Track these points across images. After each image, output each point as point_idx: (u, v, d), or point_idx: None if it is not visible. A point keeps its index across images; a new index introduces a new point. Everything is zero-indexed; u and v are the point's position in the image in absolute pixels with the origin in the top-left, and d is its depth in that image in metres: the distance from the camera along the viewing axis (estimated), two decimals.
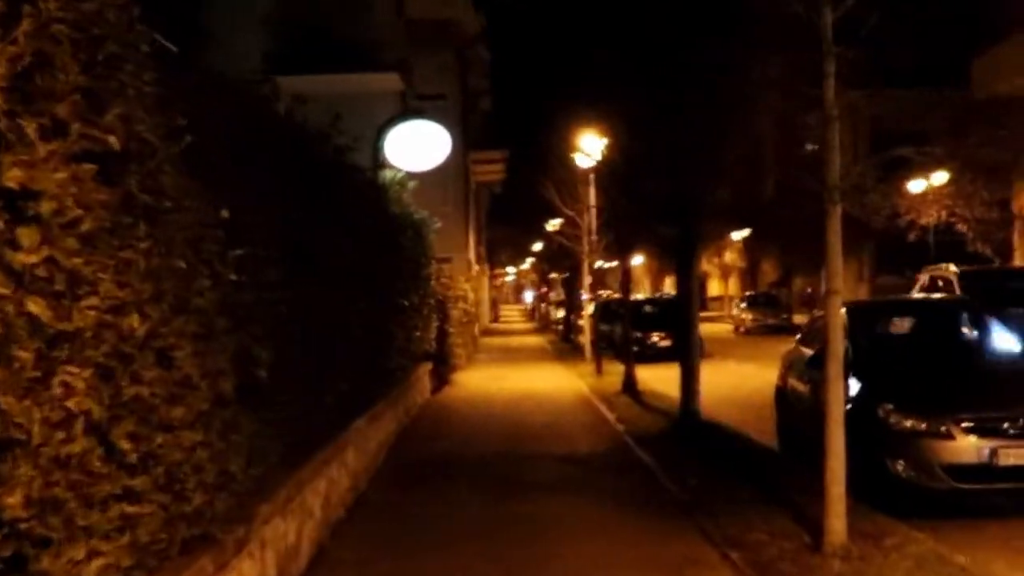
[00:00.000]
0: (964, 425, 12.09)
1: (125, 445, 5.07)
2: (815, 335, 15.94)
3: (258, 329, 7.90)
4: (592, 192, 33.45)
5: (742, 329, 62.88)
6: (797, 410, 15.66)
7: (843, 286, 37.22)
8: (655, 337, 39.01)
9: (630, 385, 26.20)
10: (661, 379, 28.20)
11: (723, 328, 64.37)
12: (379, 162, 22.33)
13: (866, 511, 11.18)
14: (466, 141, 52.48)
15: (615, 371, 31.84)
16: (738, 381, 29.80)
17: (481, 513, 12.58)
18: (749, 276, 78.40)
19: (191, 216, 6.31)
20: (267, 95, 10.11)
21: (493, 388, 29.53)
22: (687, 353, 19.31)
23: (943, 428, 12.13)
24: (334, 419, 12.20)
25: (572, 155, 33.46)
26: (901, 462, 12.18)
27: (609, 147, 26.45)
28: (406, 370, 20.36)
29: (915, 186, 47.69)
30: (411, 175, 23.01)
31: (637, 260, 74.67)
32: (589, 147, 30.75)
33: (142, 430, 5.29)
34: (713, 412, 19.96)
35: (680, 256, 19.38)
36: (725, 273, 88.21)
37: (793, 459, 15.42)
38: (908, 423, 12.26)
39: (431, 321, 25.13)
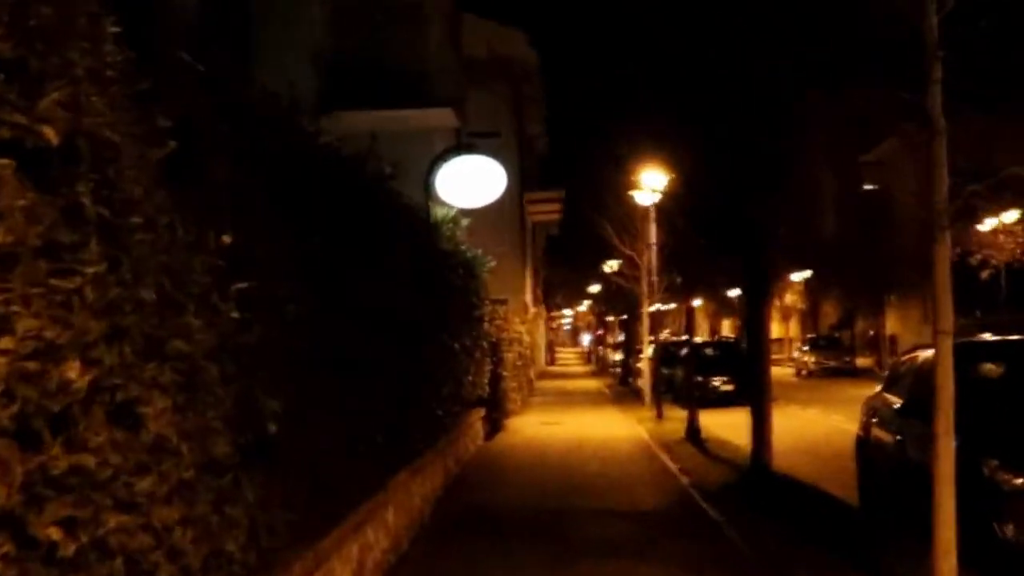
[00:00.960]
0: None
1: (54, 535, 3.80)
2: (901, 381, 14.62)
3: (267, 376, 6.66)
4: (653, 229, 32.17)
5: (804, 372, 61.71)
6: (883, 465, 14.24)
7: (906, 329, 35.68)
8: (716, 381, 37.68)
9: (693, 432, 24.88)
10: (725, 425, 26.99)
11: (784, 371, 62.70)
12: (430, 198, 21.24)
13: None
14: (522, 181, 51.51)
15: (676, 417, 30.74)
16: (804, 426, 28.46)
17: None
18: (810, 318, 76.74)
19: (173, 238, 5.11)
20: (291, 107, 8.86)
21: (548, 434, 28.21)
22: (758, 398, 17.94)
23: None
24: (370, 474, 10.99)
25: (631, 192, 32.27)
26: (1011, 525, 10.72)
27: (673, 181, 25.19)
28: (456, 417, 19.13)
29: (986, 224, 46.26)
30: (464, 213, 22.02)
31: (695, 303, 73.48)
32: (650, 182, 29.54)
33: (84, 512, 4.01)
34: (782, 461, 18.57)
35: (750, 291, 18.12)
36: (785, 315, 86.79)
37: (878, 518, 14.13)
38: (1019, 481, 10.79)
39: (484, 365, 23.91)
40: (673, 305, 45.11)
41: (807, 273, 69.21)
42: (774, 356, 63.97)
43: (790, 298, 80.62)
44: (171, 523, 4.92)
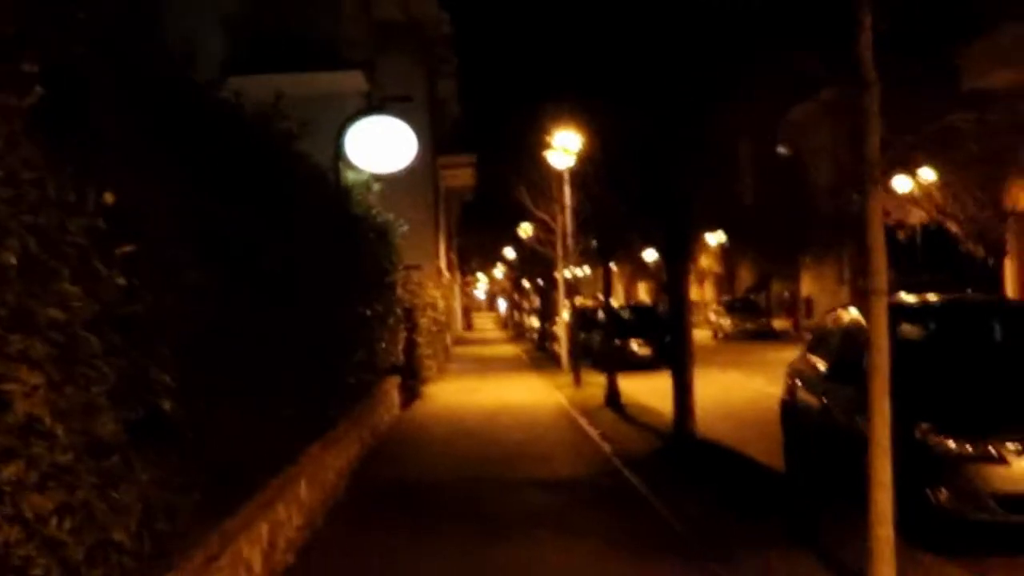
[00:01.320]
0: (1019, 446, 10.24)
1: None
2: (825, 344, 14.27)
3: (162, 348, 6.11)
4: (568, 192, 31.71)
5: (720, 335, 61.77)
6: (810, 430, 13.87)
7: (822, 291, 35.53)
8: (634, 345, 37.35)
9: (613, 398, 24.49)
10: (645, 391, 26.67)
11: (701, 334, 62.33)
12: (341, 160, 20.64)
13: (906, 549, 9.33)
14: (435, 146, 50.84)
15: (595, 382, 30.33)
16: (724, 391, 28.15)
17: (453, 564, 10.71)
18: (726, 281, 76.78)
19: (42, 196, 4.54)
20: (184, 62, 8.24)
21: (466, 401, 27.72)
22: (680, 363, 17.51)
23: (993, 450, 10.23)
24: (281, 448, 10.45)
25: (545, 154, 31.71)
26: (943, 491, 10.30)
27: (589, 144, 24.73)
28: (370, 386, 18.57)
29: (900, 184, 46.26)
30: (377, 178, 21.45)
31: (611, 266, 73.12)
32: (565, 144, 29.03)
33: None
34: (705, 427, 18.16)
35: (669, 254, 17.68)
36: (700, 278, 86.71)
37: (805, 484, 13.82)
38: (952, 445, 10.38)
39: (398, 331, 23.32)
40: (588, 270, 44.80)
41: (722, 236, 69.15)
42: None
43: (705, 261, 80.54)
44: (45, 512, 4.37)
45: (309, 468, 11.80)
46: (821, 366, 13.58)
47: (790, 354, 16.75)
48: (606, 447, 18.06)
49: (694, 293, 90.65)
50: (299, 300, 11.22)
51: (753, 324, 60.42)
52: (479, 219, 72.51)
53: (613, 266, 72.73)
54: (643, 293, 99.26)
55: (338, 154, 20.67)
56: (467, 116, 64.33)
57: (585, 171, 26.15)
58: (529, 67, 31.66)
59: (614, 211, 22.29)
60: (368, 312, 17.49)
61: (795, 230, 55.79)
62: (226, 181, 8.42)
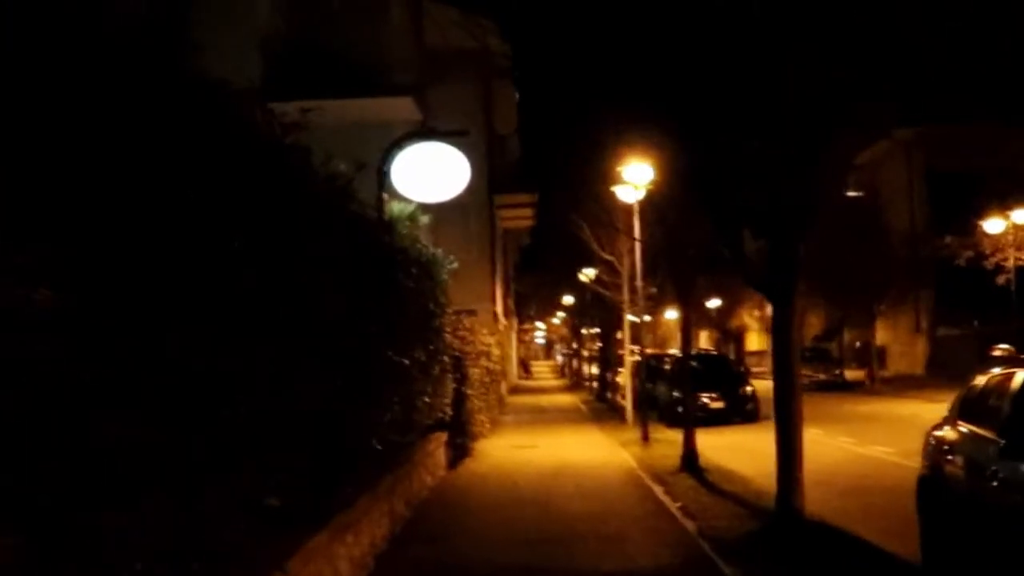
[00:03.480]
0: None
1: None
2: (986, 409, 11.12)
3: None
4: (637, 228, 28.76)
5: None
6: (968, 516, 10.73)
7: (896, 339, 32.17)
8: (705, 398, 34.13)
9: (691, 460, 21.37)
10: (721, 448, 23.78)
11: (767, 384, 59.42)
12: (384, 189, 17.98)
13: None
14: (492, 183, 48.21)
15: (664, 438, 27.57)
16: (810, 450, 24.95)
17: None
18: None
19: None
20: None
21: (522, 460, 24.72)
22: (786, 425, 14.38)
23: None
24: (266, 548, 7.57)
25: (613, 188, 28.98)
26: None
27: (667, 173, 21.83)
28: (405, 448, 15.63)
29: (992, 225, 43.42)
30: (425, 208, 18.82)
31: (670, 315, 70.90)
32: (636, 176, 26.26)
33: None
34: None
35: (777, 289, 14.56)
36: (767, 327, 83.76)
37: None
38: None
39: (445, 382, 20.38)
40: (648, 318, 41.90)
41: None
42: (756, 369, 61.12)
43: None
44: None
45: (307, 569, 8.87)
46: (986, 436, 10.47)
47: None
48: (689, 525, 15.00)
49: (760, 342, 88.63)
50: (311, 347, 8.37)
51: (825, 374, 57.79)
52: (538, 264, 70.22)
53: (672, 314, 70.75)
54: (704, 341, 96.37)
55: (382, 181, 18.07)
56: (527, 155, 61.47)
57: (662, 203, 23.18)
58: (594, 95, 29.21)
59: (695, 245, 19.56)
60: (406, 360, 14.58)
61: (869, 275, 52.81)
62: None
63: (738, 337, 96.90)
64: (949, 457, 11.58)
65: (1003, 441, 9.70)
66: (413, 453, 16.70)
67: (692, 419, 22.41)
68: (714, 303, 79.49)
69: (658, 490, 18.79)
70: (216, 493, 6.43)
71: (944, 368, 56.84)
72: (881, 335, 61.03)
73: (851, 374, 59.91)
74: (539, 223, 58.19)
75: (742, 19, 13.94)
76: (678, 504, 16.91)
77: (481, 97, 48.66)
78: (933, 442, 12.44)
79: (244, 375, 6.91)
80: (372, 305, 11.96)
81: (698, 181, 15.81)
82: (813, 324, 73.87)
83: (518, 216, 56.21)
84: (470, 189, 40.18)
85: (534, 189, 53.20)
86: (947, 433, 12.07)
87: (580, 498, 18.13)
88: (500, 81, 50.31)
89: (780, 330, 14.50)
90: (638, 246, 29.17)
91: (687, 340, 24.05)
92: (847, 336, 67.20)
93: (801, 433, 14.34)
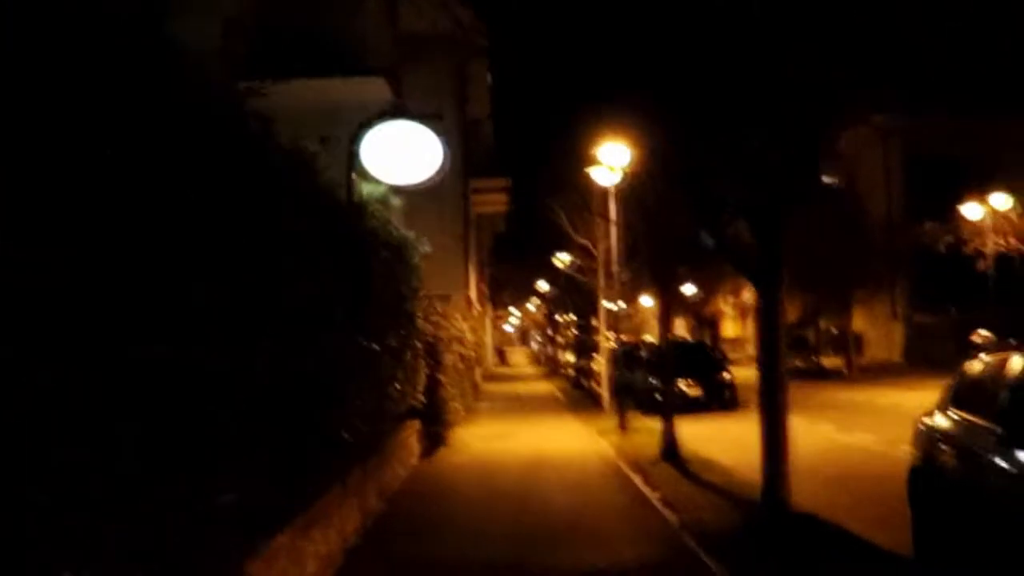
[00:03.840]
0: None
1: None
2: (983, 397, 10.55)
3: None
4: (614, 211, 28.13)
5: None
6: (966, 508, 10.16)
7: (873, 327, 31.80)
8: (683, 386, 33.45)
9: (671, 450, 20.75)
10: (700, 438, 23.17)
11: (745, 372, 58.81)
12: (354, 170, 17.31)
13: None
14: (466, 168, 47.50)
15: (642, 427, 27.01)
16: (793, 439, 24.47)
17: None
18: None
19: None
20: None
21: (498, 449, 24.09)
22: (773, 414, 13.81)
23: None
24: (226, 546, 6.96)
25: (589, 170, 28.41)
26: None
27: (647, 154, 21.23)
28: (378, 437, 14.99)
29: (971, 211, 42.97)
30: (398, 192, 18.23)
31: (645, 302, 70.50)
32: (613, 158, 25.68)
33: None
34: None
35: (763, 274, 13.95)
36: (744, 313, 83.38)
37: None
38: None
39: (418, 369, 19.76)
40: (623, 305, 41.18)
41: None
42: (732, 355, 60.58)
43: (748, 295, 77.31)
44: None
45: (271, 568, 8.24)
46: (983, 425, 9.91)
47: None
48: (672, 517, 14.39)
49: (735, 329, 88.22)
50: (253, 329, 7.72)
51: (803, 362, 57.16)
52: (512, 251, 69.55)
53: (647, 300, 70.14)
54: (680, 328, 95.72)
55: (352, 161, 17.41)
56: (501, 139, 60.77)
57: (640, 187, 22.56)
58: (571, 77, 28.67)
59: (675, 229, 18.95)
60: (376, 346, 13.96)
61: (845, 262, 52.28)
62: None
63: (713, 324, 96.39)
64: (943, 446, 11.02)
65: (1001, 430, 9.15)
66: (385, 443, 16.09)
67: (672, 408, 21.77)
68: (689, 289, 78.83)
69: (638, 480, 18.22)
70: (161, 492, 5.81)
71: (921, 355, 56.51)
72: (857, 322, 60.53)
73: (828, 362, 59.45)
74: (514, 209, 57.60)
75: (735, 11, 13.40)
76: (659, 495, 16.32)
77: (455, 80, 48.01)
78: (924, 431, 11.86)
79: (191, 362, 6.28)
80: (339, 287, 11.36)
81: (679, 167, 15.21)
82: (789, 312, 72.91)
83: (492, 201, 55.53)
84: (444, 173, 39.72)
85: (508, 174, 52.62)
86: (939, 422, 11.52)
87: (560, 491, 17.53)
88: (474, 64, 49.69)
89: (766, 317, 13.88)
90: (614, 230, 28.60)
91: (666, 326, 23.38)
92: (823, 323, 66.78)
93: (787, 423, 13.78)
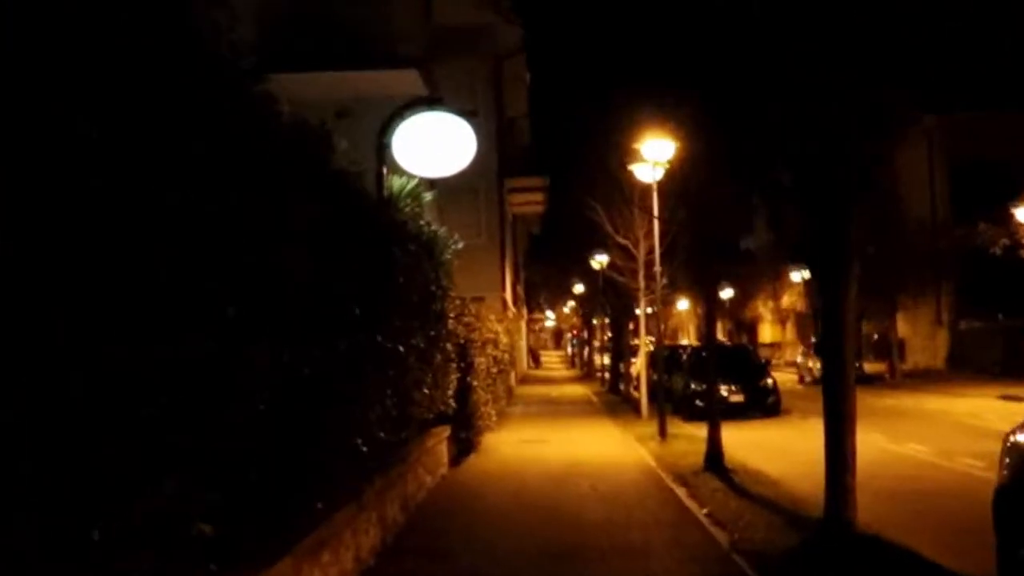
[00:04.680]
0: None
1: None
2: None
3: None
4: (656, 207, 26.94)
5: (808, 379, 57.04)
6: None
7: (916, 332, 30.47)
8: (724, 391, 32.25)
9: (715, 459, 19.55)
10: (743, 445, 22.08)
11: (785, 378, 57.55)
12: (384, 162, 16.34)
13: None
14: (502, 167, 46.57)
15: (682, 434, 25.92)
16: None
17: None
18: (811, 321, 71.73)
19: None
20: None
21: (531, 456, 22.92)
22: (837, 423, 12.55)
23: None
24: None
25: (630, 167, 27.28)
26: None
27: (688, 150, 20.17)
28: (400, 446, 13.87)
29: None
30: (431, 189, 17.27)
31: (682, 305, 69.55)
32: (656, 153, 24.62)
33: None
34: None
35: (828, 267, 12.68)
36: (782, 317, 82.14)
37: None
38: None
39: (448, 372, 18.64)
40: (657, 307, 40.09)
41: (807, 272, 64.83)
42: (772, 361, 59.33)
43: (788, 299, 76.16)
44: None
45: None
46: None
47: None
48: (720, 536, 13.19)
49: (772, 334, 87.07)
50: (243, 325, 6.62)
51: None
52: (548, 252, 68.65)
53: (684, 304, 69.00)
54: (718, 333, 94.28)
55: (381, 152, 16.44)
56: (538, 138, 59.67)
57: (685, 182, 21.39)
58: (612, 70, 27.73)
59: (721, 225, 17.83)
60: (401, 348, 12.86)
61: (889, 266, 50.93)
62: None
63: (751, 328, 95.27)
64: None
65: None
66: (409, 451, 14.94)
67: (715, 414, 20.56)
68: (727, 293, 77.56)
69: (681, 493, 17.04)
70: (116, 521, 4.72)
71: (966, 362, 55.17)
72: (900, 327, 59.23)
73: (869, 367, 58.19)
74: (550, 209, 56.84)
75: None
76: (705, 510, 15.15)
77: (491, 77, 47.14)
78: (1015, 447, 10.66)
79: (153, 362, 5.19)
80: (358, 282, 10.27)
81: (737, 157, 13.99)
82: None
83: (529, 201, 54.70)
84: (479, 172, 38.90)
85: (545, 173, 51.65)
86: None
87: (595, 501, 16.38)
88: (511, 61, 48.73)
89: (831, 317, 12.62)
90: (656, 227, 27.38)
91: (712, 328, 22.07)
92: (865, 328, 65.52)
93: (854, 434, 12.46)
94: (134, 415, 4.96)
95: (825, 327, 12.80)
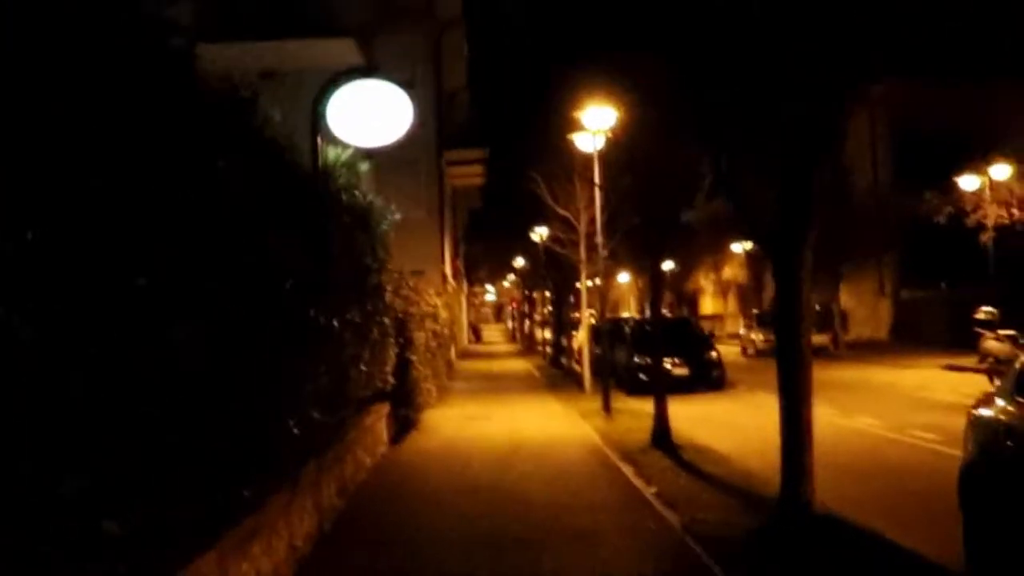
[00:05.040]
0: None
1: None
2: None
3: None
4: (597, 176, 26.34)
5: (751, 351, 57.20)
6: None
7: (860, 303, 30.00)
8: (668, 364, 31.72)
9: (663, 435, 18.98)
10: (692, 420, 21.62)
11: (728, 350, 57.14)
12: (319, 132, 15.60)
13: None
14: (441, 140, 45.87)
15: (626, 408, 25.44)
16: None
17: None
18: (753, 292, 71.47)
19: None
20: None
21: (473, 435, 22.24)
22: (794, 395, 11.95)
23: None
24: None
25: (571, 136, 26.72)
26: None
27: (634, 114, 19.56)
28: (338, 426, 13.19)
29: (968, 182, 41.41)
30: (370, 160, 17.39)
31: (623, 278, 69.01)
32: (598, 121, 24.07)
33: None
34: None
35: (785, 233, 11.93)
36: (724, 289, 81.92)
37: None
38: None
39: (386, 348, 17.97)
40: (599, 281, 39.25)
41: (748, 244, 64.53)
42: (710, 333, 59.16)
43: (730, 271, 75.83)
44: None
45: None
46: None
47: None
48: (672, 519, 12.59)
49: (713, 306, 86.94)
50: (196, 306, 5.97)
51: None
52: (488, 228, 67.91)
53: (624, 276, 68.35)
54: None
55: (316, 121, 15.72)
56: (477, 111, 58.95)
57: (632, 149, 20.73)
58: (555, 31, 27.26)
59: (665, 193, 17.28)
60: (335, 323, 12.19)
61: (831, 235, 50.54)
62: None
63: (692, 301, 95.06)
64: (1009, 443, 9.29)
65: None
66: (347, 431, 14.27)
67: (663, 388, 19.98)
68: (668, 265, 77.17)
69: (629, 471, 16.45)
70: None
71: (909, 333, 54.96)
72: (843, 298, 58.98)
73: (816, 339, 57.89)
74: (490, 182, 56.11)
75: None
76: (654, 490, 14.57)
77: (430, 49, 46.29)
78: (982, 423, 10.13)
79: (57, 343, 4.53)
80: (287, 255, 9.60)
81: (695, 115, 13.25)
82: (769, 287, 71.69)
83: (468, 174, 53.96)
84: (419, 144, 38.21)
85: (485, 145, 51.01)
86: (995, 413, 9.81)
87: (542, 482, 15.73)
88: (450, 33, 48.03)
89: (787, 285, 11.96)
90: (599, 197, 26.75)
91: (657, 299, 21.32)
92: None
93: (810, 411, 11.84)
94: (19, 406, 4.30)
95: (780, 298, 12.16)
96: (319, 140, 15.68)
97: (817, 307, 64.85)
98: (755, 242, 13.67)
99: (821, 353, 51.71)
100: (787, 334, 12.04)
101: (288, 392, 9.61)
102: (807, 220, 11.65)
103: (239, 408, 7.82)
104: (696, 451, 18.03)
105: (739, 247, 66.61)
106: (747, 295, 74.42)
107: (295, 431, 9.68)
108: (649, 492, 14.44)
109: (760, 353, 55.00)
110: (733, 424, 23.54)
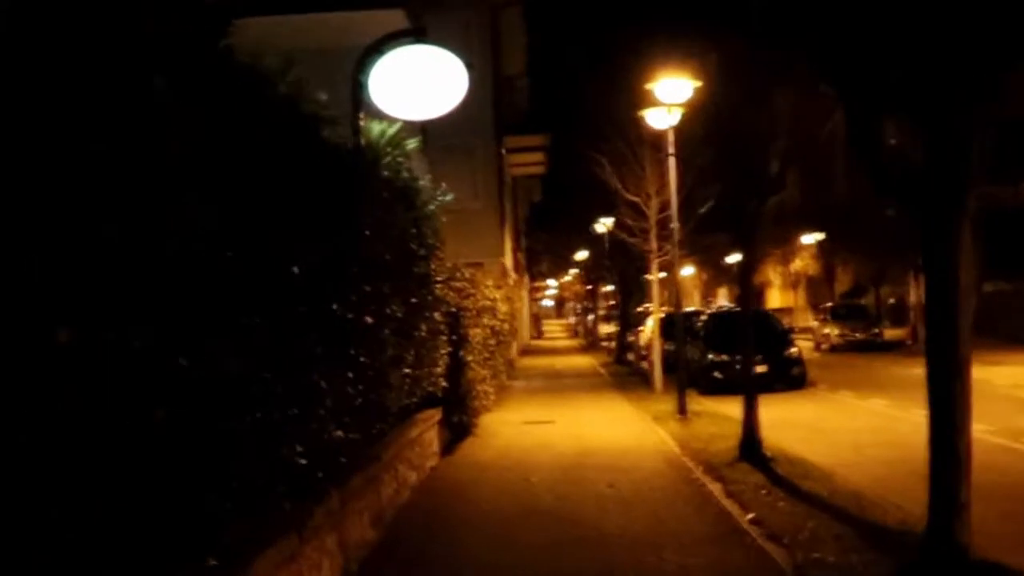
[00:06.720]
0: None
1: None
2: None
3: None
4: (671, 139, 24.09)
5: (825, 346, 54.88)
6: None
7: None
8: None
9: (752, 446, 16.51)
10: (777, 425, 19.23)
11: (800, 345, 54.82)
12: (362, 104, 13.50)
13: None
14: (499, 126, 43.81)
15: (703, 411, 23.27)
16: (882, 428, 20.76)
17: None
18: (825, 285, 69.03)
19: None
20: None
21: (534, 443, 19.89)
22: (946, 410, 9.30)
23: None
24: None
25: (641, 113, 24.46)
26: None
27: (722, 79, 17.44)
28: (372, 442, 10.97)
29: None
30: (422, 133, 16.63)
31: (687, 271, 67.10)
32: (671, 94, 21.91)
33: None
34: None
35: (937, 200, 9.47)
36: (793, 283, 79.29)
37: None
38: None
39: (436, 347, 15.81)
40: (664, 274, 36.99)
41: (819, 235, 62.15)
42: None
43: (799, 263, 73.24)
44: None
45: None
46: None
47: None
48: (779, 556, 10.21)
49: (781, 299, 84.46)
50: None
51: (863, 333, 53.73)
52: (549, 221, 66.33)
53: (689, 270, 66.17)
54: (723, 299, 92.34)
55: (358, 92, 13.61)
56: (537, 97, 56.67)
57: (718, 116, 18.47)
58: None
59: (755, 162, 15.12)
60: (369, 319, 10.02)
61: (905, 228, 48.10)
62: None
63: (759, 294, 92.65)
64: None
65: None
66: (385, 448, 12.05)
67: (752, 390, 17.38)
68: (733, 258, 74.94)
69: (716, 490, 14.08)
70: None
71: (993, 326, 52.26)
72: (920, 291, 56.50)
73: (892, 333, 55.63)
74: (551, 171, 54.27)
75: None
76: (751, 515, 12.23)
77: (488, 31, 44.21)
78: None
79: None
80: (300, 235, 7.45)
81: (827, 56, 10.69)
82: (841, 280, 69.45)
83: (529, 162, 52.18)
84: (475, 130, 36.21)
85: (546, 130, 49.02)
86: None
87: (616, 503, 13.39)
88: (508, 12, 45.94)
89: (939, 270, 9.57)
90: (674, 176, 24.42)
91: (748, 289, 18.67)
92: (882, 292, 62.82)
93: (970, 428, 9.34)
94: None
95: (931, 285, 9.75)
96: (361, 113, 13.60)
97: (891, 300, 62.61)
98: (900, 202, 11.06)
99: (896, 348, 49.51)
100: (941, 331, 9.48)
101: (301, 410, 7.42)
102: (964, 186, 9.25)
103: (234, 438, 5.69)
104: (789, 463, 15.66)
105: (810, 238, 64.35)
106: (818, 288, 72.02)
107: (302, 461, 7.45)
108: (746, 520, 12.09)
109: (835, 348, 52.80)
110: (820, 429, 21.24)
